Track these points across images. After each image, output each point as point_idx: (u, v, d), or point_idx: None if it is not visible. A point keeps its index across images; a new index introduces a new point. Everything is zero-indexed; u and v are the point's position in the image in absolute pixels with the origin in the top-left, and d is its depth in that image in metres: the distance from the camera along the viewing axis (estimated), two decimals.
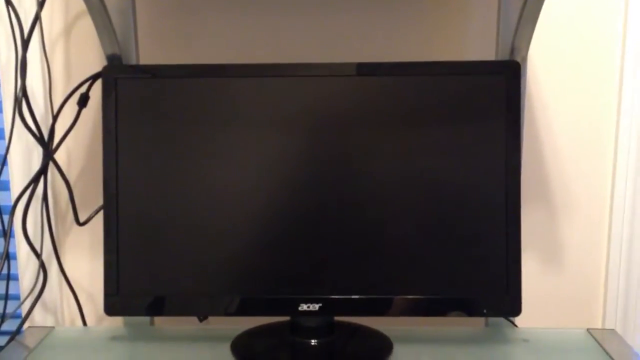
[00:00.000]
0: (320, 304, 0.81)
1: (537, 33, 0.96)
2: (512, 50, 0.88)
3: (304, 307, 0.81)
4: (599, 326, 1.03)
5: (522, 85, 0.82)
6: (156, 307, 0.82)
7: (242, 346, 0.84)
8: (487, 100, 0.80)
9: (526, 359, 0.81)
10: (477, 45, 0.97)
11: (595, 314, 1.03)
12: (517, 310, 0.81)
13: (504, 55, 0.89)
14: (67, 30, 0.97)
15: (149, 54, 0.97)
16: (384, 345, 0.84)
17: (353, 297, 0.81)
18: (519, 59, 0.87)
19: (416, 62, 0.81)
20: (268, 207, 0.81)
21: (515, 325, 0.92)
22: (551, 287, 1.02)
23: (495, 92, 0.80)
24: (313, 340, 0.83)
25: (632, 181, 0.98)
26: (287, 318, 0.86)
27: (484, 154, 0.80)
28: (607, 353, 0.82)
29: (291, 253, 0.81)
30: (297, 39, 0.97)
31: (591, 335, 0.88)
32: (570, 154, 0.99)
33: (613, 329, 0.91)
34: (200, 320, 0.94)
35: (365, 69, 0.80)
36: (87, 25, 0.97)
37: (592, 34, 0.96)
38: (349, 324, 0.89)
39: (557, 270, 1.02)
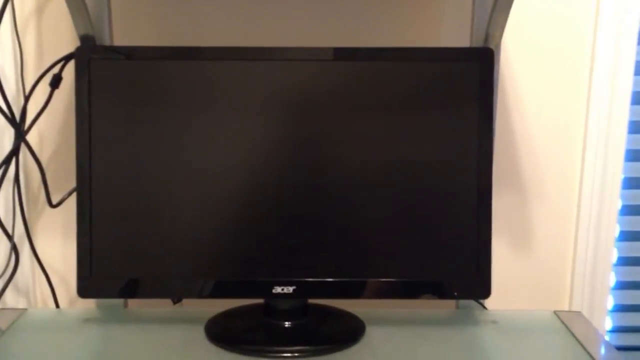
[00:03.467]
0: (294, 287, 0.82)
1: (510, 20, 0.97)
2: (486, 37, 0.89)
3: (278, 289, 0.82)
4: (566, 308, 1.06)
5: (495, 72, 0.83)
6: (130, 289, 0.82)
7: (216, 328, 0.84)
8: (461, 86, 0.81)
9: (494, 340, 0.83)
10: (452, 32, 0.98)
11: (563, 296, 1.06)
12: (486, 293, 0.83)
13: (478, 42, 0.90)
14: (40, 10, 0.96)
15: (122, 35, 0.96)
16: (356, 326, 0.85)
17: (327, 279, 0.82)
18: (492, 46, 0.88)
19: (391, 48, 0.82)
20: (243, 190, 0.81)
21: (485, 308, 0.94)
22: (520, 270, 1.05)
23: (468, 79, 0.81)
24: (287, 322, 0.84)
25: (600, 168, 1.00)
26: (261, 300, 0.87)
27: (457, 139, 0.81)
28: (573, 334, 0.84)
29: (266, 236, 0.82)
30: (274, 22, 0.97)
31: (558, 317, 0.90)
32: (541, 140, 1.01)
33: (579, 312, 0.94)
34: (174, 303, 0.94)
35: (342, 54, 0.81)
36: (59, 5, 0.95)
37: (565, 21, 0.98)
38: (323, 306, 0.90)
39: (526, 254, 1.04)
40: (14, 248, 0.94)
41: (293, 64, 0.80)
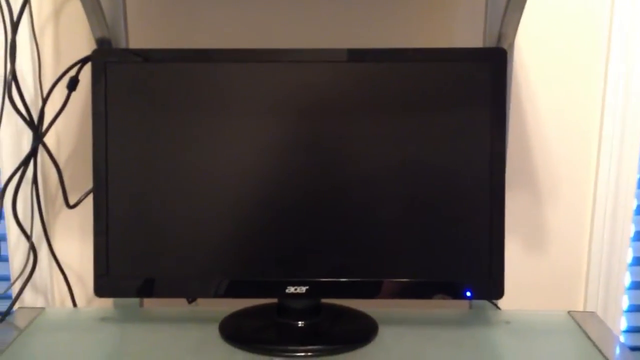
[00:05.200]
0: (307, 287, 0.82)
1: (524, 20, 0.96)
2: (500, 37, 0.89)
3: (291, 289, 0.82)
4: (581, 309, 1.05)
5: (508, 72, 0.82)
6: (146, 289, 0.83)
7: (229, 327, 0.85)
8: (474, 86, 0.81)
9: (507, 340, 0.83)
10: (465, 32, 0.98)
11: (577, 296, 1.05)
12: (499, 293, 0.83)
13: (491, 42, 0.89)
14: (57, 13, 0.97)
15: (138, 37, 0.97)
16: (369, 326, 0.85)
17: (339, 279, 0.82)
18: (505, 46, 0.87)
19: (403, 49, 0.82)
20: (257, 190, 0.82)
21: (498, 308, 0.94)
22: (534, 270, 1.04)
23: (481, 79, 0.81)
24: (300, 322, 0.85)
25: (615, 167, 1.00)
26: (274, 300, 0.87)
27: (470, 140, 0.81)
28: (587, 335, 0.84)
29: (279, 236, 0.82)
30: (288, 24, 0.97)
31: (572, 317, 0.90)
32: (555, 140, 1.00)
33: (594, 312, 0.93)
34: (189, 302, 0.96)
35: (355, 55, 0.81)
36: (76, 8, 0.97)
37: (579, 21, 0.97)
38: (335, 306, 0.91)
39: (540, 254, 1.04)
40: (32, 248, 0.95)
41: (306, 65, 0.81)
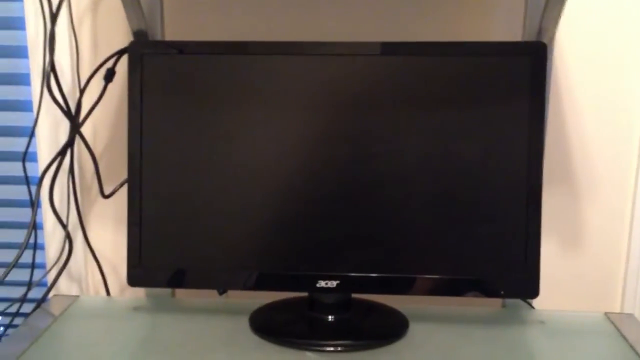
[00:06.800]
0: (338, 281, 0.82)
1: (565, 14, 0.94)
2: (540, 31, 0.87)
3: (321, 283, 0.82)
4: (618, 310, 1.03)
5: (548, 67, 0.81)
6: (178, 279, 0.84)
7: (260, 319, 0.85)
8: (512, 81, 0.79)
9: (542, 341, 0.81)
10: (504, 26, 0.96)
11: (614, 298, 1.03)
12: (534, 292, 0.81)
13: (530, 36, 0.88)
14: (95, 5, 0.99)
15: (174, 30, 0.97)
16: (400, 323, 0.85)
17: (370, 275, 0.82)
18: (546, 40, 0.85)
19: (441, 42, 0.80)
20: (289, 183, 0.82)
21: (533, 307, 0.92)
22: (571, 269, 1.02)
23: (520, 73, 0.79)
24: (330, 316, 0.85)
25: None
26: (305, 294, 0.87)
27: (507, 135, 0.80)
28: (624, 337, 0.82)
29: (311, 230, 0.82)
30: (323, 17, 0.97)
31: (609, 319, 0.88)
32: (595, 136, 0.98)
33: (631, 314, 0.91)
34: (220, 294, 0.96)
35: (389, 49, 0.80)
36: (114, 1, 0.98)
37: (622, 15, 0.95)
38: (366, 301, 0.90)
39: (577, 253, 1.02)
40: (68, 237, 0.97)
41: (340, 58, 0.80)
